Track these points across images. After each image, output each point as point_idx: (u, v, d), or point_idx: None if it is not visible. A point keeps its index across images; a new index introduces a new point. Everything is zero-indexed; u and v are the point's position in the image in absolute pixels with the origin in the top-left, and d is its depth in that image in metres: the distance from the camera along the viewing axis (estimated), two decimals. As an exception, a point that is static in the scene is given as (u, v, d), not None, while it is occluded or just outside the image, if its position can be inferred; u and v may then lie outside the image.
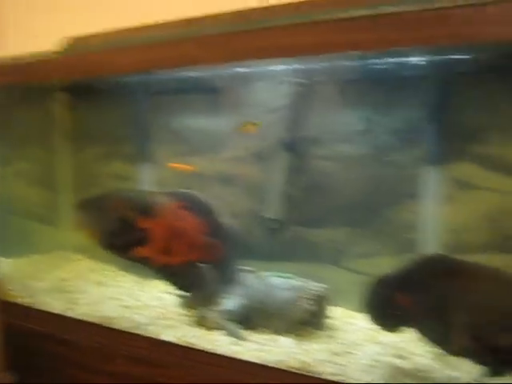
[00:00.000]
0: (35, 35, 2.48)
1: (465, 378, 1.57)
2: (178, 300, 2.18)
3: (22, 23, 2.68)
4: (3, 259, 2.64)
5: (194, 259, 1.88)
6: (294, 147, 2.20)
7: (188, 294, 2.12)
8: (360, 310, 2.11)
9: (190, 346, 1.84)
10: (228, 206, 2.23)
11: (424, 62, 1.84)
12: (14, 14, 2.72)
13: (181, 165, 2.40)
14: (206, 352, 1.79)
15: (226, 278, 1.99)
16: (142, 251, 1.85)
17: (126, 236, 1.84)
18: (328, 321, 2.00)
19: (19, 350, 2.10)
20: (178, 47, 1.85)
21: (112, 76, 2.19)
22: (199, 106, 2.45)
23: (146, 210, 1.85)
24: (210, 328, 1.94)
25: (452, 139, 1.94)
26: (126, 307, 2.19)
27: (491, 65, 1.80)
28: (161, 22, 1.95)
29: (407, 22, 1.43)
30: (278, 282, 2.00)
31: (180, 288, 2.07)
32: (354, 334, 1.93)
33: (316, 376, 1.61)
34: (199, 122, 2.48)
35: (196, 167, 2.37)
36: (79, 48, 2.13)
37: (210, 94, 2.35)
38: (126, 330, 1.97)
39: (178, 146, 2.53)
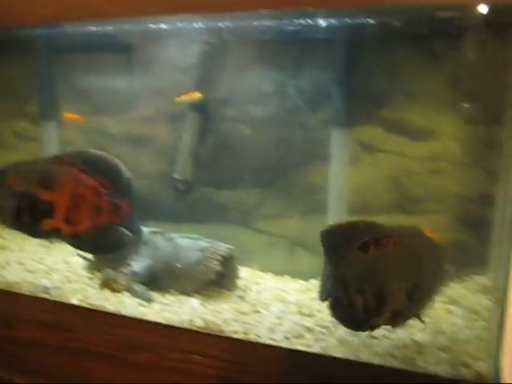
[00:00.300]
0: None
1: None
2: (85, 263, 2.13)
3: None
4: None
5: (102, 223, 1.83)
6: (204, 108, 2.17)
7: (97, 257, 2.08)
8: (268, 270, 2.17)
9: (97, 308, 1.81)
10: (137, 167, 2.20)
11: (333, 25, 1.86)
12: None
13: (72, 115, 2.33)
14: (113, 314, 1.77)
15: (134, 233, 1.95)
16: (49, 223, 1.78)
17: (29, 211, 1.77)
18: (237, 281, 2.02)
19: None
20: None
21: (13, 28, 2.06)
22: (108, 63, 2.36)
23: (44, 180, 1.77)
24: (117, 290, 1.91)
25: (358, 102, 1.98)
26: (31, 271, 2.12)
27: (397, 30, 1.83)
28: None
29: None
30: (187, 243, 2.00)
31: (93, 253, 2.03)
32: (262, 294, 1.97)
33: (222, 335, 1.64)
34: (108, 80, 2.39)
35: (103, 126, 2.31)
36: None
37: (119, 51, 2.27)
38: (31, 294, 1.91)
39: (86, 105, 2.44)
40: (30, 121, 2.62)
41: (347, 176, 2.02)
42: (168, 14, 1.73)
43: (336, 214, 2.02)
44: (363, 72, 1.95)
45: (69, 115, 2.39)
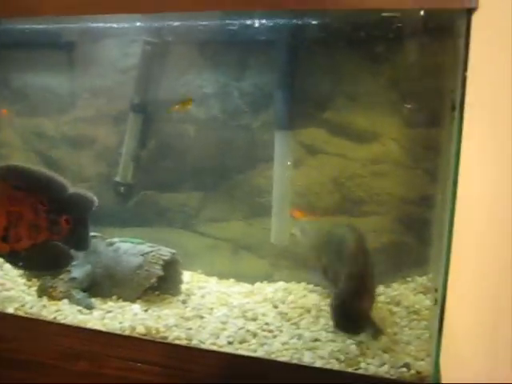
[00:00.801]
0: None
1: (308, 335, 1.64)
2: (22, 270, 2.06)
3: None
4: None
5: (41, 240, 1.77)
6: (146, 109, 2.13)
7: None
8: (212, 274, 2.14)
9: (35, 317, 1.76)
10: (77, 169, 2.14)
11: (275, 26, 1.85)
12: None
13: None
14: (51, 323, 1.72)
15: (79, 249, 1.89)
16: None
17: None
18: (180, 286, 1.99)
19: None
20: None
21: None
22: (46, 62, 2.28)
23: None
24: (56, 298, 1.85)
25: (302, 105, 1.98)
26: (-37, 279, 2.04)
27: (339, 32, 1.84)
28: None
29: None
30: (128, 247, 1.95)
31: (32, 271, 1.98)
32: (206, 298, 1.94)
33: (164, 341, 1.60)
34: (46, 80, 2.31)
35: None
36: None
37: (58, 50, 2.20)
38: (-38, 304, 1.83)
39: (23, 105, 2.35)
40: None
41: (291, 179, 2.01)
42: (108, 13, 1.69)
43: (280, 217, 2.02)
44: (306, 74, 1.95)
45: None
